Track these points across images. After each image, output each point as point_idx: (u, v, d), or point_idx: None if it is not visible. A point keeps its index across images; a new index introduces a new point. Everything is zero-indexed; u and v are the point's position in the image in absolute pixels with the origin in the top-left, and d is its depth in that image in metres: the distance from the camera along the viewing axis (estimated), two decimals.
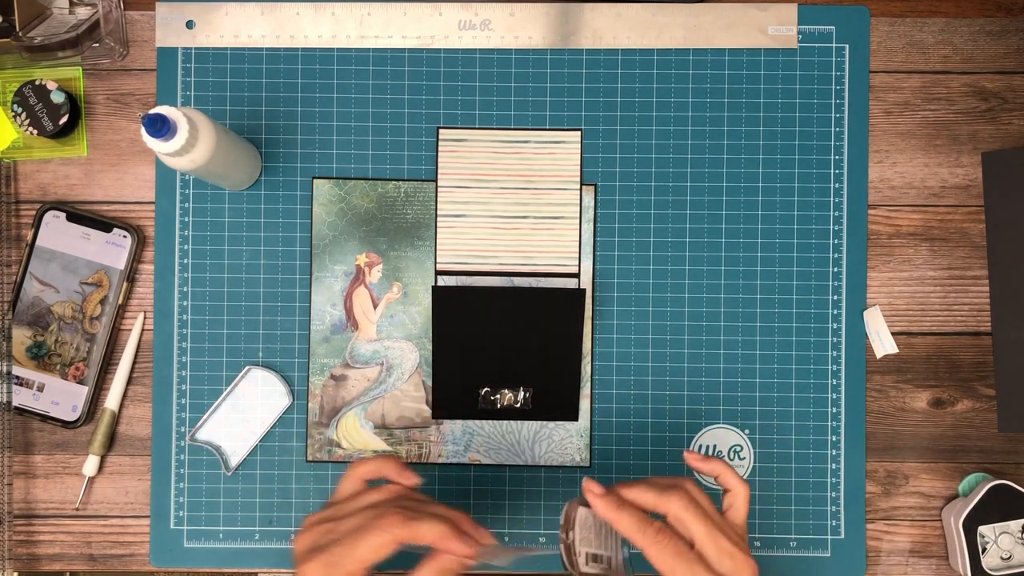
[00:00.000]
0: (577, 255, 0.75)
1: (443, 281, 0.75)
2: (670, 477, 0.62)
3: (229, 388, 0.74)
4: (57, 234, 0.74)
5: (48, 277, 0.74)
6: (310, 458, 0.75)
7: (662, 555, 0.57)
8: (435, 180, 0.75)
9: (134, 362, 0.74)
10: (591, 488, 0.59)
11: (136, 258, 0.74)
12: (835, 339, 0.75)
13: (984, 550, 0.71)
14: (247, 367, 0.74)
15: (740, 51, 0.75)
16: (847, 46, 0.75)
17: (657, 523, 0.58)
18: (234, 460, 0.74)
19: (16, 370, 0.74)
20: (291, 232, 0.75)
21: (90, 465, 0.74)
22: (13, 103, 0.73)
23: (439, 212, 0.75)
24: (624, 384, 0.75)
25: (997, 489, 0.71)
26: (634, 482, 0.60)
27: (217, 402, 0.74)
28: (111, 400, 0.74)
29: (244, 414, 0.74)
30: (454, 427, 0.75)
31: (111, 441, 0.74)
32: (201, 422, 0.74)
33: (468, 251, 0.75)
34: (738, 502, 0.61)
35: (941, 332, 0.75)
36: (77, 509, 0.75)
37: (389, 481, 0.61)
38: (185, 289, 0.74)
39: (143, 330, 0.75)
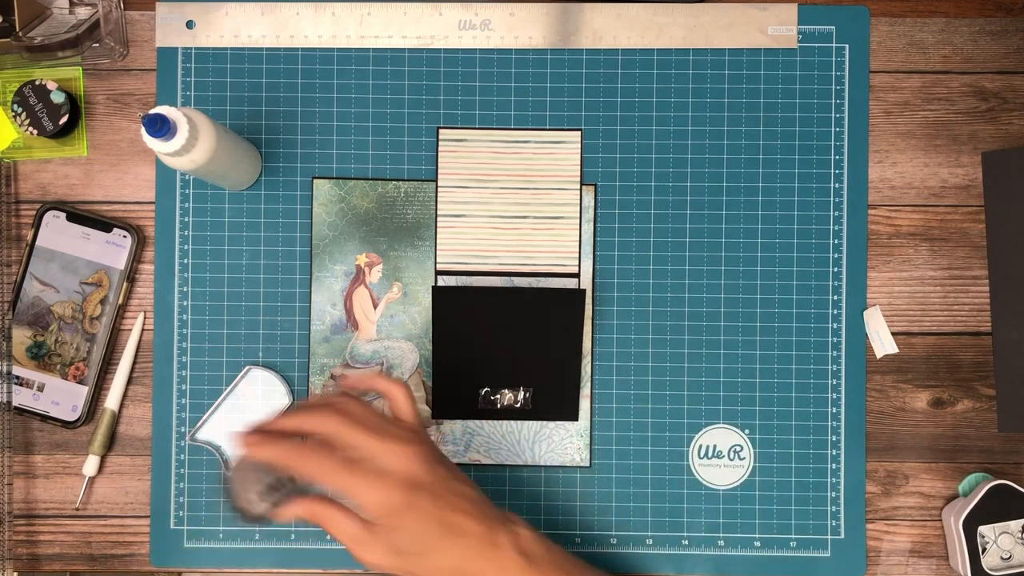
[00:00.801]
0: (577, 255, 0.75)
1: (443, 281, 0.75)
2: (325, 397, 0.62)
3: (229, 388, 0.74)
4: (57, 234, 0.74)
5: (48, 277, 0.74)
6: None
7: (320, 474, 0.58)
8: (435, 180, 0.75)
9: (134, 362, 0.74)
10: (239, 436, 0.59)
11: (136, 258, 0.74)
12: (835, 339, 0.75)
13: (984, 550, 0.71)
14: (247, 367, 0.74)
15: (740, 51, 0.75)
16: (847, 46, 0.75)
17: (303, 444, 0.58)
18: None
19: (16, 370, 0.74)
20: (291, 232, 0.75)
21: (90, 465, 0.74)
22: (13, 103, 0.73)
23: (439, 212, 0.75)
24: (624, 384, 0.75)
25: (997, 489, 0.71)
26: (288, 412, 0.60)
27: (217, 402, 0.74)
28: (111, 400, 0.74)
29: (244, 414, 0.74)
30: (454, 427, 0.75)
31: (111, 441, 0.74)
32: (201, 422, 0.74)
33: (468, 251, 0.75)
34: (398, 402, 0.62)
35: (941, 332, 0.75)
36: (77, 509, 0.75)
37: None
38: (185, 289, 0.74)
39: (143, 330, 0.75)
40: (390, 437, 0.59)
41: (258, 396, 0.74)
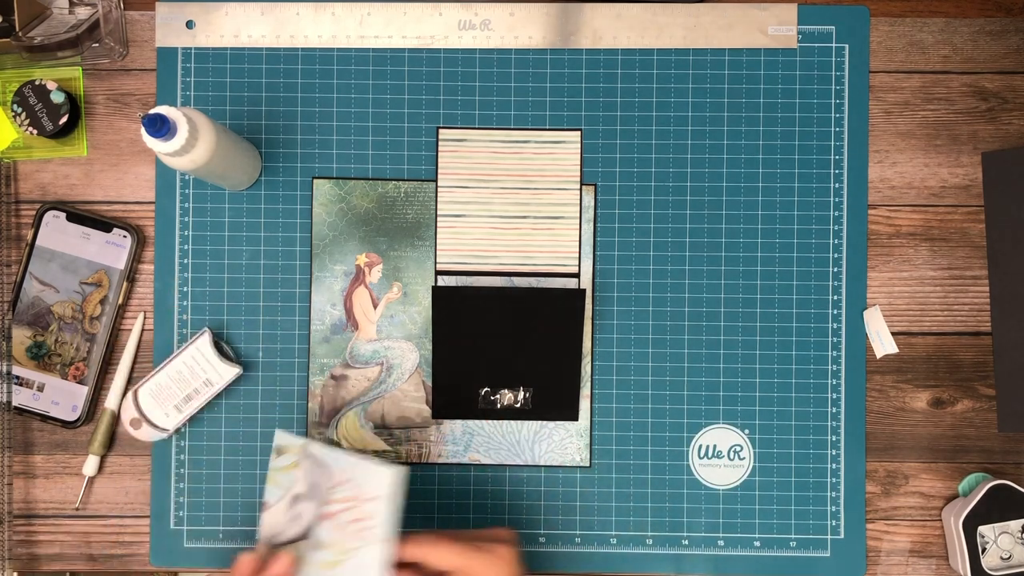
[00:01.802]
0: (577, 255, 0.75)
1: (443, 281, 0.75)
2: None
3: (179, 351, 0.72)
4: (57, 234, 0.74)
5: (48, 277, 0.74)
6: None
7: None
8: (435, 180, 0.75)
9: (134, 362, 0.74)
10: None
11: (136, 258, 0.74)
12: (835, 339, 0.75)
13: (984, 550, 0.71)
14: (204, 330, 0.73)
15: (740, 51, 0.75)
16: (847, 46, 0.75)
17: None
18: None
19: (16, 370, 0.74)
20: (291, 232, 0.75)
21: (90, 465, 0.74)
22: (13, 103, 0.73)
23: (439, 212, 0.75)
24: (624, 384, 0.75)
25: (997, 489, 0.71)
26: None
27: (163, 364, 0.72)
28: (111, 400, 0.74)
29: (190, 380, 0.72)
30: (454, 427, 0.75)
31: (111, 441, 0.74)
32: (145, 379, 0.72)
33: (468, 251, 0.75)
34: (426, 554, 0.64)
35: (941, 332, 0.75)
36: (77, 509, 0.75)
37: None
38: (185, 289, 0.74)
39: (143, 330, 0.75)
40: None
41: (205, 362, 0.72)
